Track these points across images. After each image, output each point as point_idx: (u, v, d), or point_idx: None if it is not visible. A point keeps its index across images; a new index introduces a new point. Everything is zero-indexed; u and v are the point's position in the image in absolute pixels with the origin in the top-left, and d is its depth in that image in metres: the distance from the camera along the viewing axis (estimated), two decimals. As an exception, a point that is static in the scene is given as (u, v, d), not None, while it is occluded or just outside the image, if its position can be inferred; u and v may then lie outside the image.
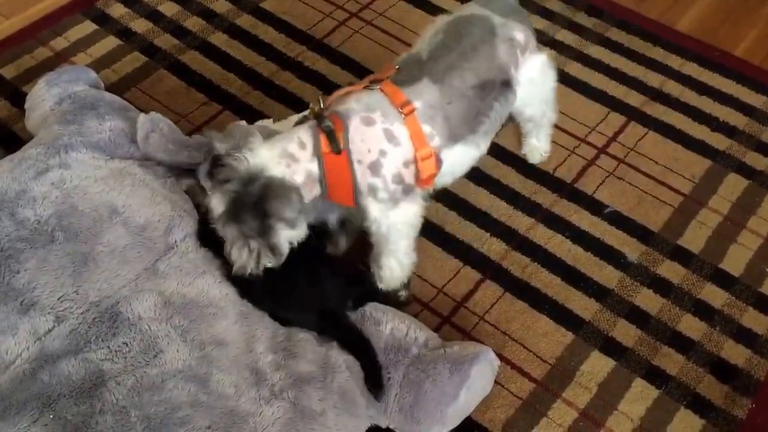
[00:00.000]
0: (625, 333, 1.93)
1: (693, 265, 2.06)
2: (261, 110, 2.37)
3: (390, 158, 1.70)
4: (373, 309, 1.78)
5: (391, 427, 1.72)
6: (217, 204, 1.63)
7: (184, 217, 1.83)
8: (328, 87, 2.44)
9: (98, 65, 2.47)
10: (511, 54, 1.84)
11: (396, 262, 1.86)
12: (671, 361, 1.88)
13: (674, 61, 2.55)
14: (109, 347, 1.62)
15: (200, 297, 1.72)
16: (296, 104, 2.38)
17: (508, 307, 1.97)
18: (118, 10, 2.67)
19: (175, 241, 1.78)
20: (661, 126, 2.37)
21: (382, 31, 2.63)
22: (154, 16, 2.66)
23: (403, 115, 1.70)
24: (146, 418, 1.53)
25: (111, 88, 2.33)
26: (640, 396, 1.83)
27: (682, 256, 2.07)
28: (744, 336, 1.93)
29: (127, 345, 1.62)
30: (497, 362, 1.75)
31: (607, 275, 2.03)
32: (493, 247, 2.07)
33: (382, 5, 2.72)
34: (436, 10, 2.62)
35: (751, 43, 2.64)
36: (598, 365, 1.87)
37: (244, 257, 1.66)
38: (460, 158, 1.84)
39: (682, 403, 1.82)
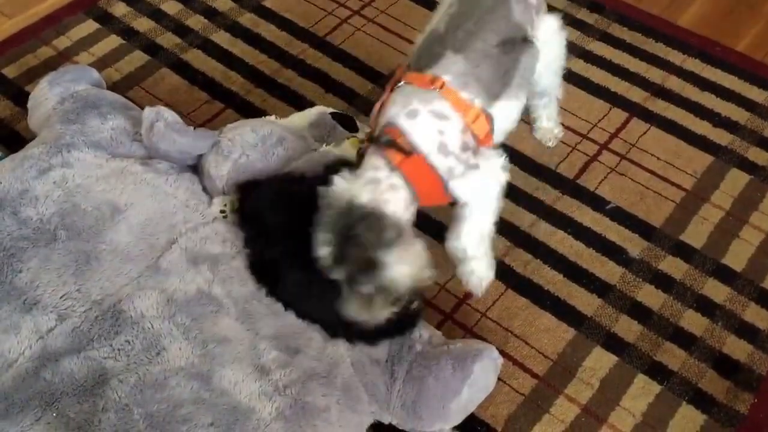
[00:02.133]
0: (627, 329, 1.93)
1: (695, 260, 2.06)
2: (263, 108, 2.37)
3: (449, 134, 1.70)
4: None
5: (393, 423, 1.72)
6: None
7: (185, 214, 1.84)
8: (330, 85, 2.45)
9: (100, 64, 2.47)
10: (526, 14, 1.85)
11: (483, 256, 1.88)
12: (673, 357, 1.88)
13: (676, 57, 2.54)
14: (111, 345, 1.62)
15: (202, 294, 1.72)
16: (298, 102, 2.38)
17: (510, 303, 1.97)
18: (120, 9, 2.67)
19: (176, 239, 1.79)
20: (662, 122, 2.37)
21: (384, 29, 2.63)
22: (157, 15, 2.66)
23: (436, 90, 1.71)
24: (149, 415, 1.53)
25: (113, 87, 2.34)
26: (642, 392, 1.83)
27: (683, 251, 2.07)
28: (746, 331, 1.93)
29: (129, 343, 1.62)
30: (500, 360, 1.75)
31: (609, 271, 2.03)
32: (495, 243, 2.07)
33: (384, 3, 2.72)
34: (437, 7, 2.62)
35: (753, 38, 2.63)
36: (600, 361, 1.88)
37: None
38: (505, 113, 1.86)
39: (684, 399, 1.82)
